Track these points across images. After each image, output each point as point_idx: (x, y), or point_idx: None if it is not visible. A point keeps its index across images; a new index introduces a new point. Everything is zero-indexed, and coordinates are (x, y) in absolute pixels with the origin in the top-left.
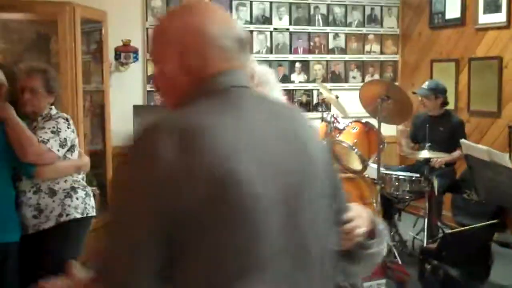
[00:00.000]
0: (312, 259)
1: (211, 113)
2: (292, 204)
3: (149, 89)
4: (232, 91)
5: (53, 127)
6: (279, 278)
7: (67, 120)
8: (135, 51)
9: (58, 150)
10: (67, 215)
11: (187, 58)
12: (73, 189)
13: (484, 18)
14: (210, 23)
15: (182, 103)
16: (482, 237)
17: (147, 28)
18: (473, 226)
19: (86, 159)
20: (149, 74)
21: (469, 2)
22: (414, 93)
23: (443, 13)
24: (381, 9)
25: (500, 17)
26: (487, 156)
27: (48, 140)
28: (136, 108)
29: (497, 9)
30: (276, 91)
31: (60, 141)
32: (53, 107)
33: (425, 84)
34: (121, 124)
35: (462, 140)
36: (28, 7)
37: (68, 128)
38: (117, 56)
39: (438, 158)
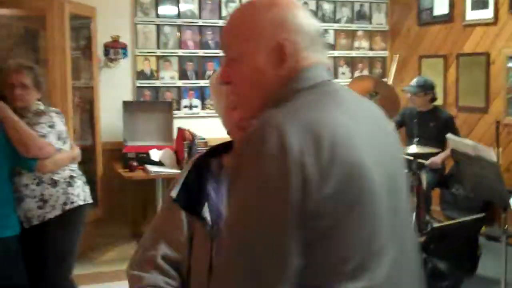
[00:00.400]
0: (408, 256)
1: (324, 106)
2: (394, 202)
3: (138, 85)
4: (328, 85)
5: (49, 122)
6: (390, 272)
7: (58, 113)
8: (124, 47)
9: (56, 143)
10: (71, 202)
11: (280, 52)
12: (72, 178)
13: (472, 15)
14: (299, 15)
15: (269, 100)
16: (469, 230)
17: (135, 24)
18: (460, 219)
19: (78, 150)
20: (138, 70)
21: None
22: (403, 90)
23: (431, 10)
24: (370, 6)
25: (487, 14)
26: (472, 151)
27: (46, 134)
28: (125, 103)
29: (485, 5)
30: None
31: (57, 134)
32: (40, 102)
33: (414, 81)
34: (110, 120)
35: (449, 135)
36: (16, 3)
37: (61, 121)
38: (106, 52)
39: (434, 159)
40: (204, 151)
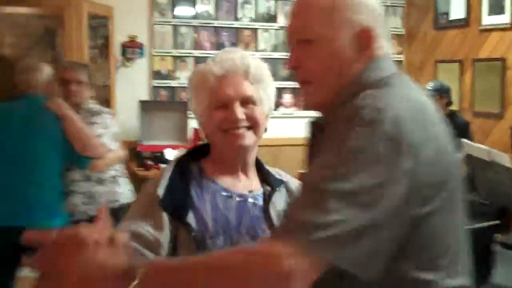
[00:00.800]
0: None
1: (413, 94)
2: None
3: (154, 84)
4: (400, 77)
5: (103, 122)
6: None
7: (111, 114)
8: (141, 47)
9: (110, 144)
10: (116, 201)
11: (365, 37)
12: (117, 177)
13: (488, 19)
14: (376, 2)
15: (341, 87)
16: (483, 238)
17: (153, 24)
18: (474, 226)
19: (124, 151)
20: (154, 70)
21: (474, 3)
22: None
23: (447, 14)
24: (387, 9)
25: (504, 19)
26: (487, 156)
27: (101, 135)
28: (141, 103)
29: (501, 10)
30: (270, 88)
31: (111, 135)
32: (91, 100)
33: (430, 85)
34: (126, 119)
35: (464, 140)
36: (35, 2)
37: (114, 122)
38: (123, 52)
39: None
40: (184, 152)
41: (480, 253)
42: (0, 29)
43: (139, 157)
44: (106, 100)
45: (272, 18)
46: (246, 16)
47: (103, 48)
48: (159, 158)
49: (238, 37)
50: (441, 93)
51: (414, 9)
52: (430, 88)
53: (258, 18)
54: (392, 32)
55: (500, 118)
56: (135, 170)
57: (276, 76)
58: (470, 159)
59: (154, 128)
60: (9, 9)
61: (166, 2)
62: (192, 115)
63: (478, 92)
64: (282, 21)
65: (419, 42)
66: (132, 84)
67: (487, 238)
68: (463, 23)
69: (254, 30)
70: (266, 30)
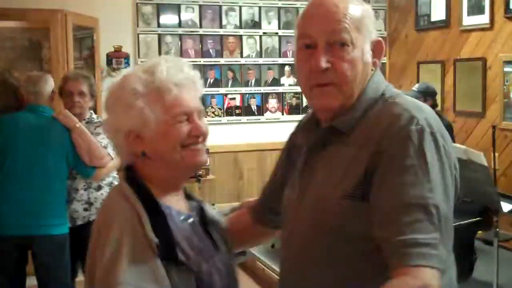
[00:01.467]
0: None
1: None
2: None
3: None
4: (391, 90)
5: None
6: None
7: None
8: (127, 57)
9: (113, 154)
10: None
11: (379, 47)
12: (113, 183)
13: (468, 20)
14: None
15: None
16: (466, 234)
17: (138, 34)
18: (457, 223)
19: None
20: None
21: (454, 4)
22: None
23: (428, 15)
24: None
25: (483, 19)
26: (464, 155)
27: (106, 145)
28: None
29: (481, 10)
30: (199, 95)
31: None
32: (92, 111)
33: (415, 86)
34: None
35: None
36: (20, 15)
37: None
38: (108, 62)
39: None
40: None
41: (463, 250)
42: None
43: None
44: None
45: (256, 25)
46: (230, 23)
47: (88, 59)
48: None
49: (222, 44)
50: (426, 95)
51: (396, 12)
52: (415, 89)
53: (243, 25)
54: None
55: (482, 117)
56: None
57: (261, 82)
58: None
59: None
60: None
61: (151, 11)
62: None
63: (460, 92)
64: (266, 27)
65: (401, 44)
66: None
67: (469, 235)
68: (444, 24)
69: (239, 37)
70: (250, 36)
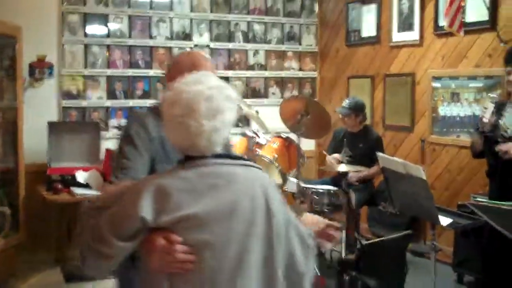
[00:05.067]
0: None
1: None
2: None
3: (64, 105)
4: None
5: None
6: None
7: None
8: (50, 67)
9: None
10: None
11: None
12: None
13: (398, 36)
14: None
15: None
16: (397, 247)
17: (63, 44)
18: (389, 236)
19: None
20: (64, 90)
21: (384, 21)
22: (335, 111)
23: (359, 31)
24: (300, 27)
25: (413, 35)
26: (402, 169)
27: None
28: (50, 124)
29: (410, 27)
30: None
31: None
32: None
33: (346, 103)
34: (35, 141)
35: (379, 154)
36: None
37: None
38: (31, 72)
39: (354, 173)
40: None
41: (394, 262)
42: None
43: (48, 181)
44: (13, 122)
45: (187, 37)
46: (161, 35)
47: (10, 68)
48: (70, 181)
49: (152, 55)
50: (356, 111)
51: (327, 27)
52: (345, 105)
53: (174, 36)
54: (305, 50)
55: (410, 131)
56: (43, 194)
57: None
58: (385, 171)
59: (64, 150)
60: None
61: (77, 20)
62: (105, 136)
63: (389, 106)
64: (197, 39)
65: (332, 59)
66: (40, 105)
67: (400, 248)
68: (374, 40)
69: (169, 48)
70: (181, 48)
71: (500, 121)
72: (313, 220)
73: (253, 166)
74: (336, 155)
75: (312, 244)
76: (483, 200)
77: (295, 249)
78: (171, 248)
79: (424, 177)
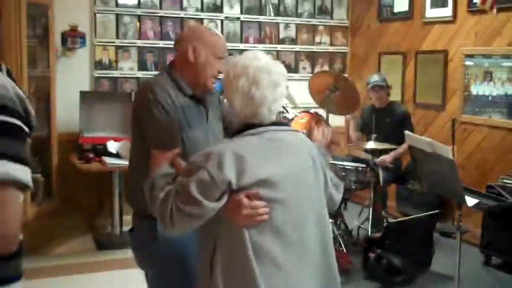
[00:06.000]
0: None
1: None
2: None
3: (96, 75)
4: None
5: None
6: None
7: None
8: (83, 36)
9: None
10: None
11: None
12: None
13: (431, 12)
14: None
15: None
16: (424, 226)
17: (94, 13)
18: (415, 216)
19: None
20: (96, 60)
21: None
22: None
23: (391, 6)
24: (331, 1)
25: (446, 12)
26: (429, 148)
27: None
28: (83, 94)
29: (444, 3)
30: None
31: None
32: None
33: (376, 76)
34: (67, 110)
35: (406, 132)
36: None
37: None
38: (63, 41)
39: (386, 156)
40: None
41: (421, 241)
42: None
43: (80, 150)
44: (46, 91)
45: (218, 9)
46: (191, 6)
47: (42, 37)
48: (101, 151)
49: (183, 27)
50: (387, 85)
51: (359, 1)
52: (380, 78)
53: (204, 8)
54: (337, 24)
55: (441, 110)
56: (76, 163)
57: None
58: (413, 150)
59: (96, 120)
60: None
61: None
62: None
63: (421, 84)
64: (228, 11)
65: (363, 34)
66: (73, 75)
67: (428, 227)
68: (406, 16)
69: (200, 20)
70: (211, 20)
71: None
72: (321, 135)
73: (297, 132)
74: (358, 134)
75: (340, 184)
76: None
77: (333, 193)
78: (253, 205)
79: (451, 157)
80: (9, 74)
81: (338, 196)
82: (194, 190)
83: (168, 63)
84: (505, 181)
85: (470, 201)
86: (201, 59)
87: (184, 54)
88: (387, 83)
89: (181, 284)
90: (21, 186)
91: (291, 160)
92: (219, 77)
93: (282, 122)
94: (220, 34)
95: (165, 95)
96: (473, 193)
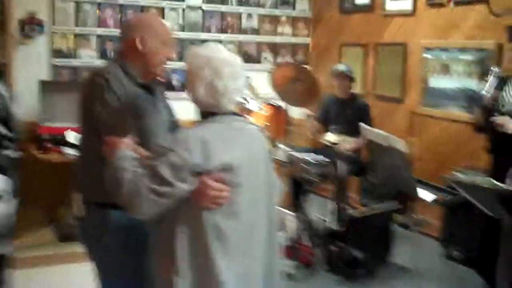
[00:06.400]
0: None
1: None
2: None
3: (55, 63)
4: None
5: None
6: None
7: None
8: (41, 24)
9: None
10: None
11: None
12: None
13: (392, 5)
14: None
15: None
16: (383, 219)
17: (53, 1)
18: (375, 208)
19: None
20: (55, 48)
21: None
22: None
23: None
24: None
25: (406, 4)
26: (384, 141)
27: None
28: (42, 83)
29: None
30: None
31: None
32: None
33: (342, 66)
34: (25, 100)
35: (362, 125)
36: None
37: None
38: (21, 29)
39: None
40: None
41: (381, 234)
42: None
43: (38, 140)
44: (3, 80)
45: None
46: None
47: None
48: (60, 141)
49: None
50: (352, 75)
51: None
52: (346, 67)
53: None
54: (299, 15)
55: (401, 102)
56: (34, 153)
57: (183, 58)
58: (369, 144)
59: (55, 109)
60: None
61: None
62: None
63: (380, 76)
64: (190, 1)
65: (325, 25)
66: (31, 63)
67: (387, 219)
68: (367, 8)
69: (161, 9)
70: (173, 9)
71: (501, 95)
72: None
73: (252, 123)
74: (316, 124)
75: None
76: (462, 175)
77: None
78: (218, 187)
79: (404, 150)
80: None
81: (278, 185)
82: (166, 172)
83: (115, 52)
84: (459, 173)
85: (426, 194)
86: (150, 48)
87: (132, 43)
88: (350, 74)
89: (133, 274)
90: None
91: (249, 148)
92: (167, 64)
93: (239, 113)
94: (165, 22)
95: (117, 83)
96: (430, 187)
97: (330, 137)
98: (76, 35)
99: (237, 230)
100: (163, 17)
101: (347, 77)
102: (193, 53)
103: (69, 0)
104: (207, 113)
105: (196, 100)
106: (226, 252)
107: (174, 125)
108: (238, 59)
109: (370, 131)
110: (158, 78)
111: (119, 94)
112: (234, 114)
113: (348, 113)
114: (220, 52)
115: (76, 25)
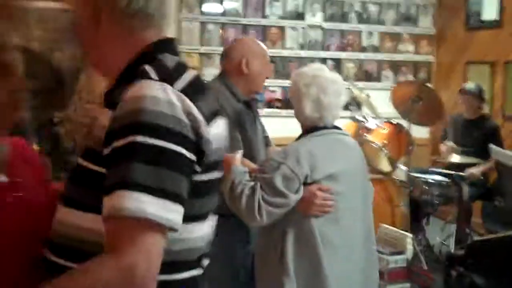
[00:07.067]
0: None
1: None
2: None
3: None
4: None
5: None
6: None
7: None
8: None
9: None
10: None
11: None
12: None
13: None
14: None
15: None
16: (509, 245)
17: (180, 20)
18: (502, 234)
19: None
20: None
21: (507, 3)
22: (462, 90)
23: (479, 14)
24: (417, 8)
25: None
26: None
27: None
28: None
29: None
30: None
31: None
32: None
33: (471, 85)
34: None
35: (492, 146)
36: None
37: None
38: None
39: (473, 169)
40: None
41: (507, 261)
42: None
43: None
44: None
45: (299, 16)
46: (274, 14)
47: None
48: None
49: (265, 34)
50: (482, 95)
51: (445, 9)
52: (474, 86)
53: (286, 16)
54: (422, 32)
55: None
56: None
57: None
58: (498, 165)
59: None
60: (37, 4)
61: None
62: None
63: (510, 95)
64: (310, 19)
65: (450, 42)
66: None
67: None
68: (495, 24)
69: (282, 28)
70: (293, 28)
71: None
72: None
73: (350, 136)
74: (451, 143)
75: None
76: None
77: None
78: (324, 197)
79: None
80: None
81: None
82: (279, 183)
83: (219, 71)
84: None
85: None
86: (254, 70)
87: (236, 65)
88: (480, 94)
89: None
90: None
91: (349, 158)
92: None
93: (339, 126)
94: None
95: (225, 101)
96: None
97: (456, 158)
98: (200, 54)
99: (339, 236)
100: (283, 36)
101: (477, 97)
102: (300, 73)
103: (195, 20)
104: (311, 128)
105: (301, 115)
106: (331, 257)
107: (267, 141)
108: (340, 78)
109: (500, 152)
110: (255, 96)
111: (228, 111)
112: (336, 127)
113: (476, 134)
114: (324, 71)
115: (201, 45)
